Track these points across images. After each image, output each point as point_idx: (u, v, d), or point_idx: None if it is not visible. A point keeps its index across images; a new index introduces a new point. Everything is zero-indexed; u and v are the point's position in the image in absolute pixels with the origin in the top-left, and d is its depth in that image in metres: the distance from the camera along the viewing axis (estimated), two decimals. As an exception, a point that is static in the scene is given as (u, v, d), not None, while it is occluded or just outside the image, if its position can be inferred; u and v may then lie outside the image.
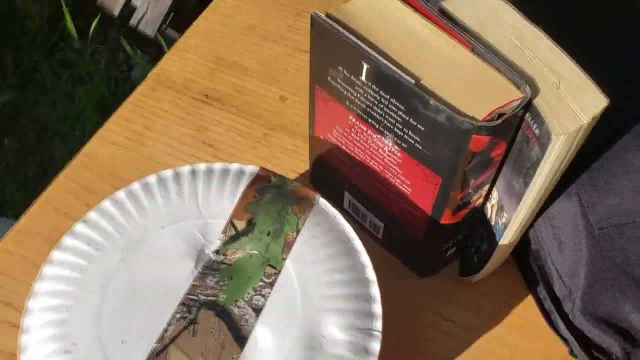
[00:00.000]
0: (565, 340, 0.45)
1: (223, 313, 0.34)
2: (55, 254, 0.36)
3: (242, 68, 0.60)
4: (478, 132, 0.33)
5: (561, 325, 0.45)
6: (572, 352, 0.45)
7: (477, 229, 0.46)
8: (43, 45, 1.52)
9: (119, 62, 1.53)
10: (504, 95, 0.34)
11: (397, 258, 0.49)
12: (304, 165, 0.54)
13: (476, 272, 0.47)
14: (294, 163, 0.54)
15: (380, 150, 0.40)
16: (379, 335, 0.34)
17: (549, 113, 0.34)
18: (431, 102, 0.34)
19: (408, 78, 0.34)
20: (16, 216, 1.22)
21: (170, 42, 1.41)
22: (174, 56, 0.61)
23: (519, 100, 0.34)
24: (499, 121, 0.33)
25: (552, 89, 0.35)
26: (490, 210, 0.43)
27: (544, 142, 0.34)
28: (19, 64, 1.50)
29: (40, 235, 0.49)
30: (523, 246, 0.46)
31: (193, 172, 0.39)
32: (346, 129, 0.42)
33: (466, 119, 0.33)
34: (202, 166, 0.39)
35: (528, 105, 0.34)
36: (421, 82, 0.35)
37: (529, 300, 0.48)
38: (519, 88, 0.34)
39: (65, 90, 1.45)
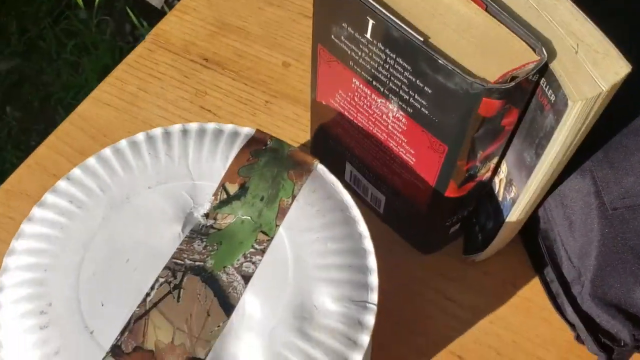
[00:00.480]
0: (571, 325, 0.43)
1: (210, 279, 0.32)
2: (36, 211, 0.34)
3: (243, 32, 0.57)
4: (489, 95, 0.31)
5: (568, 309, 0.42)
6: (578, 337, 0.43)
7: (483, 205, 0.43)
8: (48, 13, 1.50)
9: (125, 34, 1.51)
10: (518, 57, 0.32)
11: (399, 234, 0.47)
12: (305, 135, 0.52)
13: (480, 251, 0.44)
14: (294, 132, 0.52)
15: (384, 116, 0.38)
16: (374, 308, 0.32)
17: (566, 78, 0.31)
18: (440, 62, 0.31)
19: (416, 36, 0.32)
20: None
21: (178, 14, 1.38)
22: (174, 18, 0.58)
23: (534, 63, 0.31)
24: (512, 84, 0.31)
25: (570, 53, 0.32)
26: (498, 185, 0.41)
27: (559, 109, 0.31)
28: (23, 32, 1.48)
29: (28, 196, 0.47)
30: (531, 225, 0.44)
31: (184, 132, 0.37)
32: (349, 93, 0.40)
33: (476, 81, 0.31)
34: (194, 125, 0.37)
35: (544, 69, 0.32)
36: (430, 40, 0.32)
37: (535, 281, 0.45)
38: (534, 51, 0.32)
39: (69, 60, 1.43)
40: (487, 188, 0.42)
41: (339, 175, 0.48)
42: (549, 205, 0.42)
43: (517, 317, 0.44)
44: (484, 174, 0.39)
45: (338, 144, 0.45)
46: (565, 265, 0.43)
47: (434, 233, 0.44)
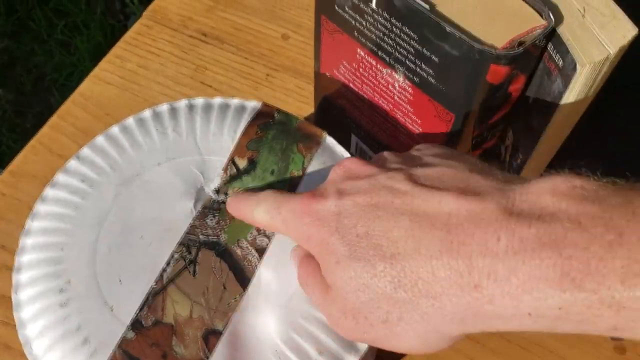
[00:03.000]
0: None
1: (225, 253, 0.32)
2: (49, 191, 0.34)
3: (241, 5, 0.57)
4: (496, 62, 0.31)
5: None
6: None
7: (488, 172, 0.44)
8: (37, -8, 1.48)
9: (115, 12, 1.49)
10: (525, 22, 0.32)
11: (404, 203, 0.48)
12: (308, 108, 0.52)
13: (486, 218, 0.45)
14: (297, 105, 0.52)
15: (390, 86, 0.38)
16: (388, 276, 0.32)
17: (574, 42, 0.31)
18: (447, 29, 0.31)
19: (422, 4, 0.32)
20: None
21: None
22: (171, -7, 0.58)
23: (542, 28, 0.31)
24: (520, 50, 0.31)
25: (577, 17, 0.32)
26: (505, 152, 0.41)
27: (567, 73, 0.32)
28: (11, 12, 1.45)
29: (34, 177, 0.47)
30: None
31: (190, 107, 0.37)
32: (354, 64, 0.39)
33: (484, 48, 0.31)
34: (199, 100, 0.37)
35: (551, 34, 0.32)
36: (436, 7, 0.32)
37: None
38: (541, 15, 0.32)
39: (61, 40, 1.41)
40: (493, 155, 0.42)
41: (344, 147, 0.48)
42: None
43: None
44: (491, 142, 0.39)
45: (343, 116, 0.45)
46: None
47: (440, 201, 0.45)
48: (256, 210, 0.31)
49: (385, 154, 0.31)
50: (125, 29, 1.41)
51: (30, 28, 1.44)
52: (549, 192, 0.24)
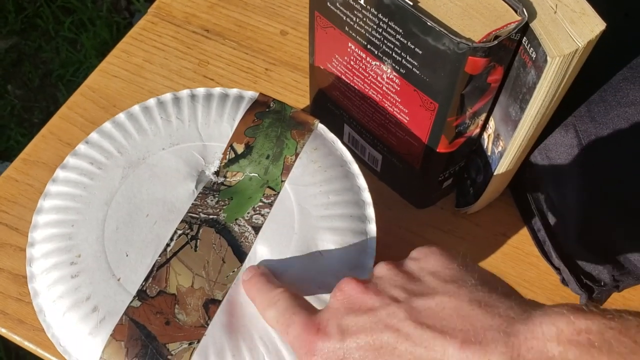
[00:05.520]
0: (557, 269, 0.46)
1: (224, 230, 0.35)
2: (60, 173, 0.37)
3: (242, 3, 0.59)
4: (474, 54, 0.34)
5: (553, 254, 0.46)
6: (563, 280, 0.46)
7: (473, 160, 0.46)
8: (44, -10, 1.51)
9: (121, 9, 1.52)
10: (500, 18, 0.34)
11: (395, 190, 0.50)
12: (305, 100, 0.54)
13: (472, 204, 0.47)
14: (294, 97, 0.54)
15: (379, 78, 0.41)
16: (373, 253, 0.35)
17: (545, 36, 0.34)
18: (428, 24, 0.34)
19: (406, 0, 0.35)
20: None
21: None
22: (175, -9, 0.60)
23: (516, 23, 0.34)
24: (495, 42, 0.33)
25: (550, 12, 0.35)
26: (487, 140, 0.43)
27: (540, 65, 0.34)
28: (20, 10, 1.48)
29: (44, 164, 0.50)
30: (519, 178, 0.47)
31: (192, 96, 0.39)
32: (345, 58, 0.42)
33: (462, 41, 0.33)
34: (201, 90, 0.40)
35: (525, 29, 0.34)
36: (419, 4, 0.35)
37: (524, 232, 0.49)
38: (516, 11, 0.34)
39: (67, 37, 1.44)
40: (476, 144, 0.45)
41: (338, 136, 0.50)
42: (535, 159, 0.45)
43: (507, 263, 0.47)
44: (473, 130, 0.42)
45: (336, 107, 0.48)
46: (551, 214, 0.46)
47: (428, 188, 0.47)
48: (267, 312, 0.31)
49: (384, 269, 0.30)
50: (130, 26, 1.44)
51: (38, 25, 1.47)
52: (554, 338, 0.23)
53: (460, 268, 0.29)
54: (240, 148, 0.38)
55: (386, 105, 0.42)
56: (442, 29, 0.34)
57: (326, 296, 0.33)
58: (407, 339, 0.26)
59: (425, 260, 0.30)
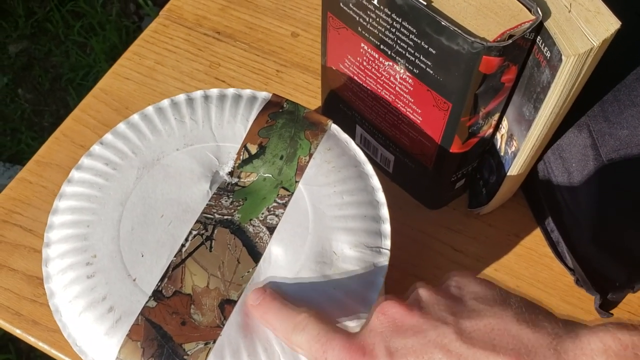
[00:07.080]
0: (571, 270, 0.46)
1: (238, 231, 0.35)
2: (75, 174, 0.37)
3: (253, 5, 0.60)
4: (488, 53, 0.34)
5: (568, 255, 0.46)
6: (577, 281, 0.46)
7: (486, 160, 0.46)
8: (54, -5, 1.52)
9: (130, 13, 1.53)
10: (515, 17, 0.34)
11: (407, 192, 0.50)
12: (316, 102, 0.54)
13: (485, 204, 0.47)
14: (305, 99, 0.54)
15: (392, 78, 0.41)
16: (387, 253, 0.35)
17: (560, 35, 0.34)
18: (442, 23, 0.34)
19: (421, 0, 0.35)
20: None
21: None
22: (186, -6, 0.61)
23: (530, 22, 0.34)
24: (509, 42, 0.33)
25: (564, 12, 0.35)
26: (500, 140, 0.43)
27: (554, 64, 0.34)
28: (30, 14, 1.49)
29: (58, 166, 0.50)
30: (532, 179, 0.47)
31: (206, 97, 0.39)
32: (358, 58, 0.42)
33: (477, 40, 0.33)
34: (214, 91, 0.40)
35: (539, 28, 0.34)
36: (432, 4, 0.35)
37: (537, 232, 0.48)
38: (530, 11, 0.34)
39: (77, 41, 1.45)
40: (489, 144, 0.44)
41: (350, 137, 0.50)
42: (548, 159, 0.45)
43: (520, 264, 0.47)
44: (486, 130, 0.42)
45: (348, 108, 0.48)
46: (565, 215, 0.45)
47: (441, 189, 0.47)
48: (295, 337, 0.30)
49: (422, 292, 0.30)
50: (139, 29, 1.44)
51: (48, 29, 1.48)
52: (602, 353, 0.24)
53: (501, 292, 0.29)
54: (253, 149, 0.38)
55: (399, 105, 0.42)
56: (456, 29, 0.34)
57: (341, 295, 0.33)
58: (459, 357, 0.26)
59: (466, 284, 0.30)
